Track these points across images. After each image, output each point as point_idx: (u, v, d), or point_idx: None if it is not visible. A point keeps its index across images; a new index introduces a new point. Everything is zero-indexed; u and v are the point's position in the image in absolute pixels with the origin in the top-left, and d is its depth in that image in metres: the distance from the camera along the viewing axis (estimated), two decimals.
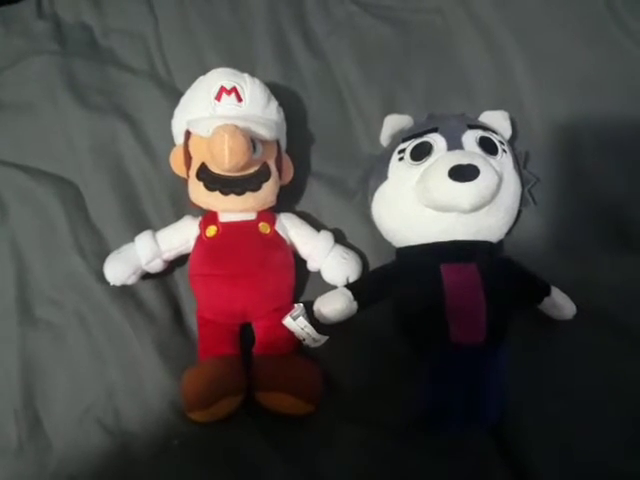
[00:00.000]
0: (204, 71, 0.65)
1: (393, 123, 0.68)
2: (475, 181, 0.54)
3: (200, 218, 0.64)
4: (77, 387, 0.65)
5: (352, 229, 0.70)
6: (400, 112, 0.70)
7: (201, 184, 0.61)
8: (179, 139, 0.65)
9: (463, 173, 0.54)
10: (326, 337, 0.62)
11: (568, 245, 0.69)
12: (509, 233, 0.65)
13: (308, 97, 0.77)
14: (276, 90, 0.67)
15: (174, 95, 0.73)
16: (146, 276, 0.66)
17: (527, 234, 0.68)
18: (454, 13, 0.79)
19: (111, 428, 0.63)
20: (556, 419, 0.62)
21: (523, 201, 0.64)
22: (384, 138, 0.68)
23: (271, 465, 0.60)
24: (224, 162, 0.56)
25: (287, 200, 0.69)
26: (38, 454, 0.62)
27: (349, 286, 0.63)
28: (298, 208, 0.72)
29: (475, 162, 0.55)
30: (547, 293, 0.63)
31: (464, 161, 0.55)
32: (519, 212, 0.65)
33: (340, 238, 0.68)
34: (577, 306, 0.63)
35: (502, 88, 0.75)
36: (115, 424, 0.63)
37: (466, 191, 0.55)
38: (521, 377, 0.62)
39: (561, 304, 0.63)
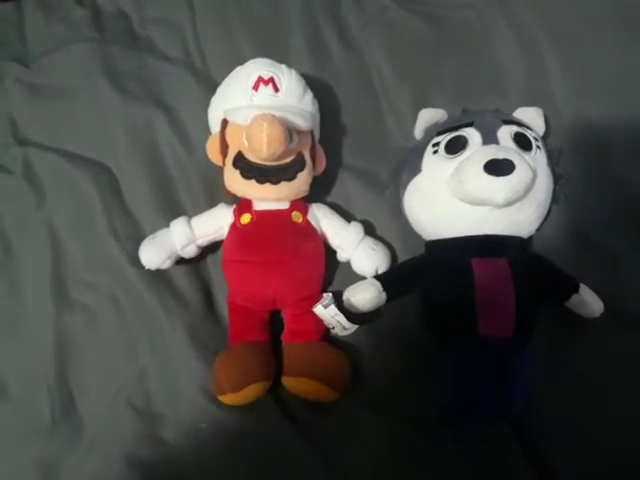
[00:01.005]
0: (239, 61, 0.66)
1: (427, 116, 0.68)
2: (510, 176, 0.55)
3: (234, 206, 0.65)
4: (109, 368, 0.66)
5: (382, 221, 0.71)
6: (432, 106, 0.70)
7: (237, 172, 0.62)
8: (215, 127, 0.66)
9: (499, 167, 0.55)
10: (356, 326, 0.63)
11: (596, 243, 0.69)
12: (539, 229, 0.65)
13: (341, 89, 0.77)
14: (309, 82, 0.67)
15: (209, 84, 0.75)
16: (179, 262, 0.67)
17: (556, 230, 0.68)
18: (488, 10, 0.78)
19: (141, 409, 0.64)
20: (578, 415, 0.62)
21: (555, 198, 0.64)
22: (418, 131, 0.69)
23: (297, 450, 0.61)
24: (262, 151, 0.57)
25: (319, 191, 0.70)
26: (70, 433, 0.64)
27: (378, 277, 0.63)
28: (329, 199, 0.72)
29: (511, 157, 0.55)
30: (575, 290, 0.63)
31: (500, 155, 0.55)
32: (550, 208, 0.65)
33: (370, 230, 0.69)
34: (604, 304, 0.63)
35: (534, 85, 0.75)
36: (145, 405, 0.65)
37: (501, 186, 0.55)
38: (545, 373, 0.63)
39: (589, 302, 0.63)
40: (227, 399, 0.60)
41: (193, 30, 0.82)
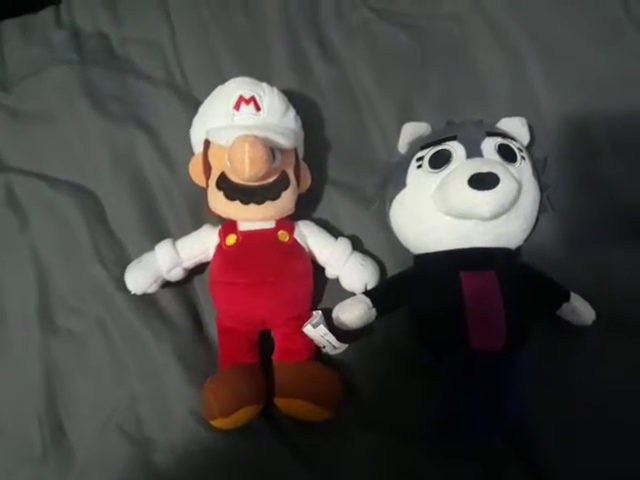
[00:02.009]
0: (221, 79, 0.65)
1: (411, 130, 0.67)
2: (495, 189, 0.54)
3: (219, 227, 0.64)
4: (99, 395, 0.66)
5: (369, 236, 0.71)
6: (416, 119, 0.69)
7: (221, 193, 0.61)
8: (198, 148, 0.65)
9: (483, 181, 0.54)
10: (346, 345, 0.62)
11: (586, 249, 0.69)
12: (527, 239, 0.65)
13: (324, 105, 0.77)
14: (292, 98, 0.67)
15: (192, 103, 0.74)
16: (165, 285, 0.66)
17: (544, 238, 0.68)
18: (470, 19, 0.78)
19: (133, 435, 0.64)
20: (575, 425, 0.62)
21: (542, 207, 0.64)
22: (402, 145, 0.68)
23: (290, 471, 0.61)
24: (244, 172, 0.56)
25: (305, 208, 0.69)
26: (61, 461, 0.63)
27: (367, 293, 0.63)
28: (315, 215, 0.72)
29: (495, 170, 0.55)
30: (566, 299, 0.63)
31: (484, 169, 0.55)
32: (537, 218, 0.65)
33: (358, 245, 0.68)
34: (596, 312, 0.63)
35: (518, 93, 0.75)
36: (137, 431, 0.64)
37: (486, 199, 0.54)
38: (539, 384, 0.62)
39: (580, 310, 0.63)
40: (218, 423, 0.59)
41: (174, 49, 0.81)
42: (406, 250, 0.66)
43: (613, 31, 0.76)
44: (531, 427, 0.61)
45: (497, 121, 0.67)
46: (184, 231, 0.67)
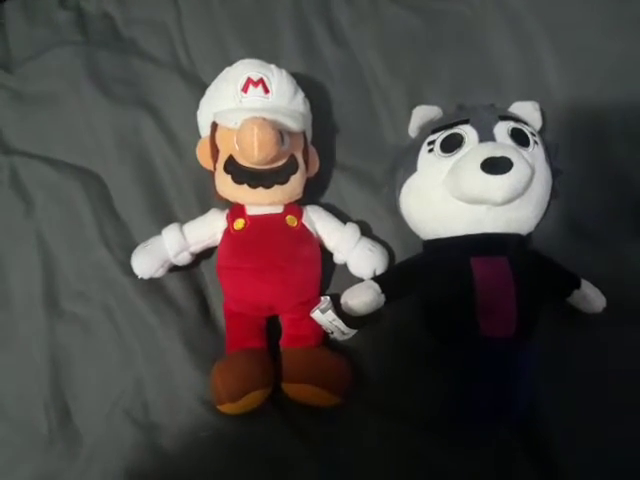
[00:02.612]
0: (228, 62, 0.64)
1: (422, 114, 0.66)
2: (508, 174, 0.53)
3: (227, 211, 0.64)
4: (105, 380, 0.65)
5: (378, 222, 0.70)
6: (426, 103, 0.68)
7: (229, 177, 0.60)
8: (205, 131, 0.64)
9: (496, 166, 0.53)
10: (354, 331, 0.62)
11: (596, 236, 0.69)
12: (538, 225, 0.64)
13: (333, 88, 0.76)
14: (300, 81, 0.66)
15: (198, 86, 0.73)
16: (172, 269, 0.66)
17: (556, 226, 0.68)
18: (482, 3, 0.77)
19: (139, 420, 0.64)
20: (582, 413, 0.61)
21: (553, 193, 0.63)
22: (412, 129, 0.67)
23: (298, 456, 0.61)
24: (253, 155, 0.55)
25: (313, 193, 0.68)
26: (68, 446, 0.63)
27: (376, 279, 0.62)
28: (324, 200, 0.71)
29: (508, 154, 0.54)
30: (577, 286, 0.62)
31: (497, 153, 0.54)
32: (548, 204, 0.64)
33: (366, 231, 0.68)
34: (607, 298, 0.62)
35: (530, 79, 0.73)
36: (143, 416, 0.64)
37: (499, 184, 0.53)
38: (549, 371, 0.62)
39: (591, 297, 0.62)
40: (226, 408, 0.59)
41: (179, 31, 0.80)
42: (415, 235, 0.65)
43: (626, 18, 0.75)
44: (539, 416, 0.61)
45: (508, 106, 0.66)
46: (190, 215, 0.67)
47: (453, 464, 0.60)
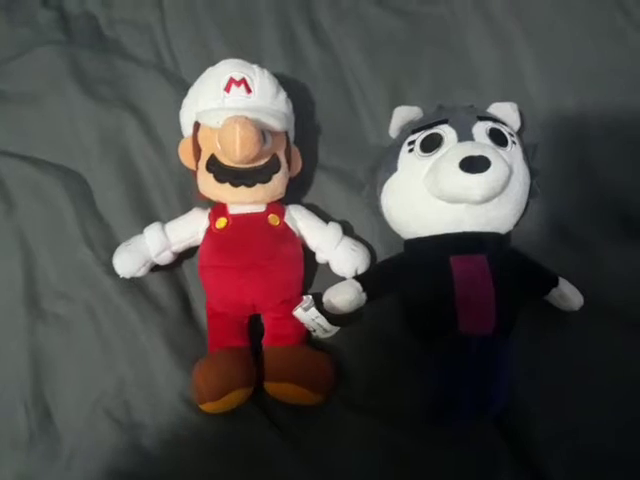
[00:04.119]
0: (211, 62, 0.64)
1: (402, 114, 0.67)
2: (486, 172, 0.54)
3: (209, 210, 0.64)
4: (86, 379, 0.65)
5: (360, 221, 0.70)
6: (407, 104, 0.69)
7: (211, 176, 0.60)
8: (187, 130, 0.64)
9: (474, 164, 0.54)
10: (337, 328, 0.62)
11: (574, 235, 0.70)
12: (517, 224, 0.65)
13: (315, 88, 0.76)
14: (282, 81, 0.66)
15: (181, 86, 0.73)
16: (154, 268, 0.66)
17: (535, 225, 0.69)
18: (462, 5, 0.78)
19: (121, 420, 0.63)
20: (561, 407, 0.63)
21: (531, 193, 0.64)
22: (393, 130, 0.68)
23: (281, 455, 0.60)
24: (235, 153, 0.55)
25: (295, 192, 0.69)
26: (49, 446, 0.62)
27: (358, 277, 0.63)
28: (306, 200, 0.72)
29: (486, 154, 0.55)
30: (555, 284, 0.63)
31: (475, 152, 0.55)
32: (527, 204, 0.65)
33: (348, 230, 0.68)
34: (585, 296, 0.63)
35: (509, 80, 0.75)
36: (125, 416, 0.63)
37: (477, 182, 0.54)
38: (526, 367, 0.63)
39: (568, 295, 0.63)
40: (208, 407, 0.59)
41: (163, 31, 0.80)
42: (396, 235, 0.66)
43: (603, 19, 0.77)
44: (518, 411, 0.62)
45: (488, 107, 0.67)
46: (173, 214, 0.67)
47: (434, 461, 0.61)
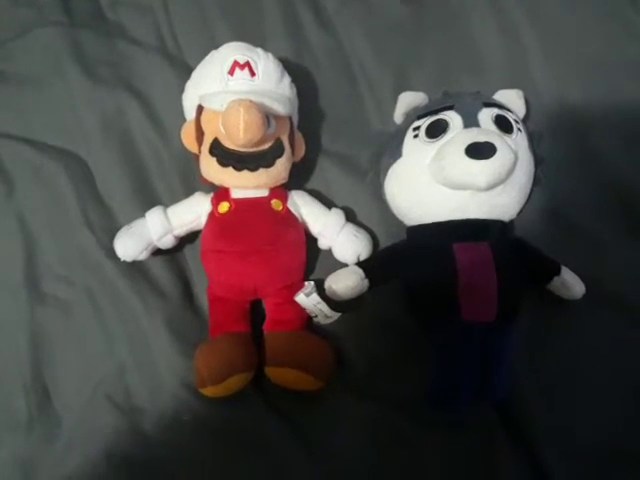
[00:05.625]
0: (214, 45, 0.64)
1: (407, 100, 0.67)
2: (492, 159, 0.54)
3: (212, 194, 0.63)
4: (86, 363, 0.65)
5: (363, 207, 0.70)
6: (412, 90, 0.68)
7: (214, 160, 0.60)
8: (190, 114, 0.64)
9: (480, 151, 0.54)
10: (338, 314, 0.62)
11: (578, 225, 0.70)
12: (520, 212, 0.65)
13: (319, 73, 0.76)
14: (286, 66, 0.65)
15: (183, 69, 0.73)
16: (156, 252, 0.65)
17: (538, 214, 0.68)
18: None
19: (121, 404, 0.63)
20: (561, 395, 0.63)
21: (536, 180, 0.64)
22: (398, 115, 0.67)
23: (281, 440, 0.61)
24: (239, 137, 0.55)
25: (298, 178, 0.68)
26: (48, 429, 0.63)
27: (360, 264, 0.63)
28: (309, 186, 0.71)
29: (492, 140, 0.54)
30: (557, 272, 0.63)
31: (481, 139, 0.54)
32: (531, 191, 0.65)
33: (351, 216, 0.68)
34: (587, 286, 0.64)
35: (515, 67, 0.74)
36: (125, 400, 0.64)
37: (483, 169, 0.54)
38: (528, 354, 0.64)
39: (570, 284, 0.63)
40: (208, 391, 0.59)
41: (165, 13, 0.78)
42: (399, 222, 0.65)
43: (610, 8, 0.76)
44: (519, 398, 0.62)
45: (493, 94, 0.67)
46: (175, 198, 0.66)
47: (436, 446, 0.61)
